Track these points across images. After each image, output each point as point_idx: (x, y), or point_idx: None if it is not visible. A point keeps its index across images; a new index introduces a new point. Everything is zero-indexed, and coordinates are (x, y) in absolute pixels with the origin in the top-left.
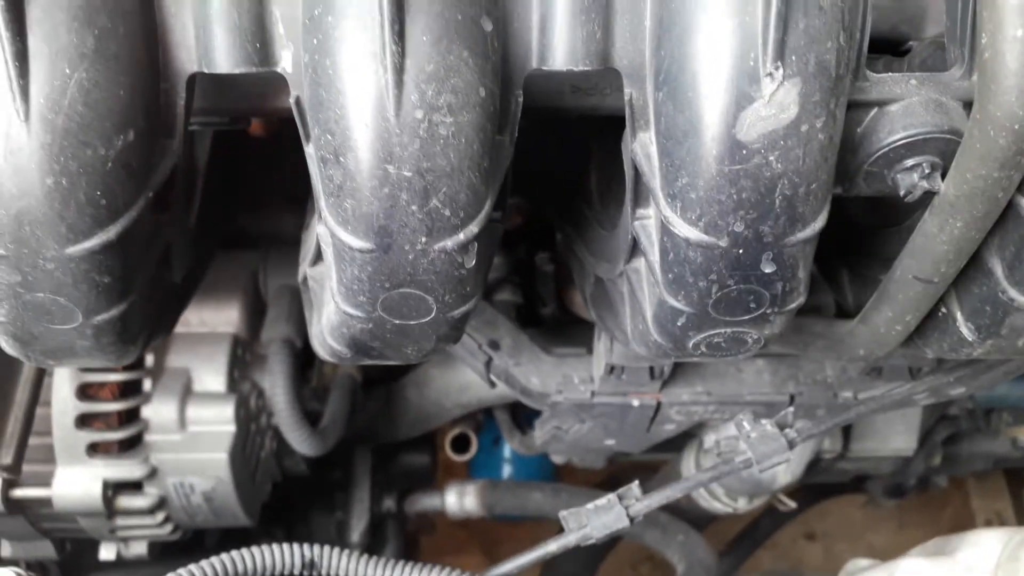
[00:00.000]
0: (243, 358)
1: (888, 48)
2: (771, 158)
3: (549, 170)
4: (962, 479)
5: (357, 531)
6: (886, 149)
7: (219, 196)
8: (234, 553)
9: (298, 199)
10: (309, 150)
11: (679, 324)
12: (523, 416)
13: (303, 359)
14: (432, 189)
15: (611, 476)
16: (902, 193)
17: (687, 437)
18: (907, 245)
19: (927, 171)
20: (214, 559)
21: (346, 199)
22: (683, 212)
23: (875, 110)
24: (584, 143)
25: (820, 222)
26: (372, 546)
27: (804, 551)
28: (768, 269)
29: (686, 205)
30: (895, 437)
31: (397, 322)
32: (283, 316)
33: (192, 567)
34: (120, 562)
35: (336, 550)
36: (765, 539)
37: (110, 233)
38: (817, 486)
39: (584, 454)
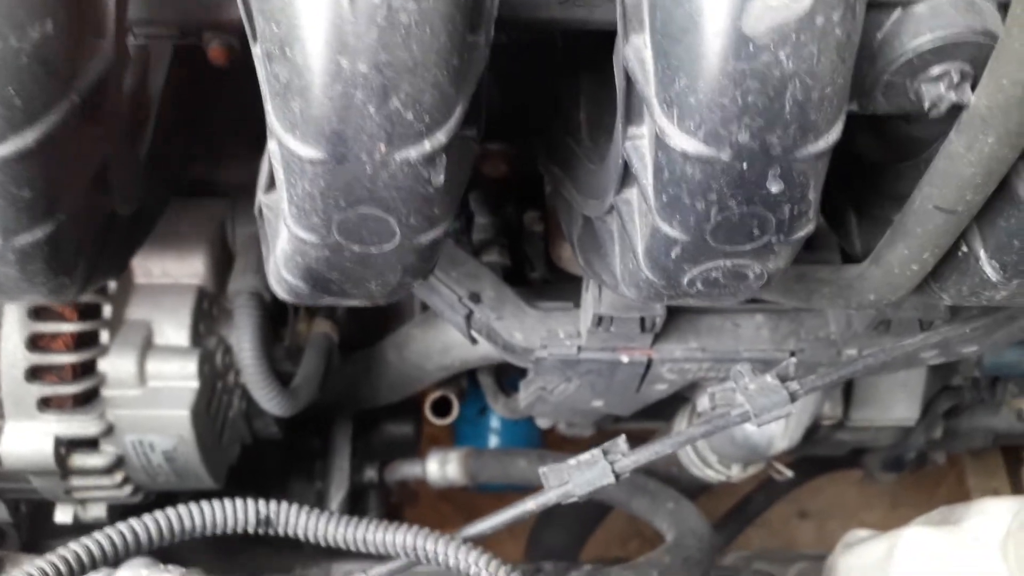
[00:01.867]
0: (209, 312)
1: None
2: (781, 55)
3: (535, 104)
4: (958, 457)
5: (336, 501)
6: (910, 55)
7: (178, 131)
8: (181, 507)
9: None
10: (256, 50)
11: (673, 256)
12: (508, 382)
13: (274, 315)
14: (392, 87)
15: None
16: (926, 106)
17: (678, 403)
18: (928, 171)
19: (956, 80)
20: (160, 513)
21: (293, 99)
22: (680, 120)
23: (898, 11)
24: (572, 73)
25: (834, 134)
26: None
27: (796, 529)
28: (775, 188)
29: (684, 111)
30: (897, 406)
31: (356, 249)
32: (251, 267)
33: (136, 521)
34: (81, 525)
35: (294, 506)
36: (757, 515)
37: (27, 138)
38: (813, 459)
39: (571, 416)
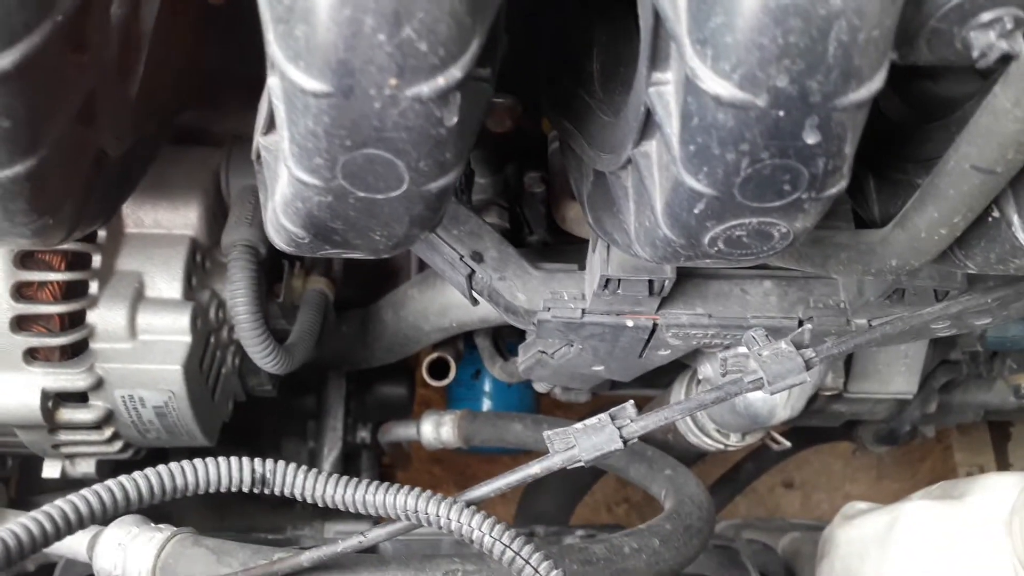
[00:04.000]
0: (202, 264)
1: None
2: None
3: (544, 54)
4: (944, 432)
5: (329, 461)
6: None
7: (170, 71)
8: (175, 465)
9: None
10: None
11: (696, 211)
12: (505, 345)
13: (269, 270)
14: (405, 13)
15: (593, 412)
16: (975, 56)
17: (676, 371)
18: (966, 128)
19: (1009, 27)
20: (152, 470)
21: (297, 25)
22: (714, 62)
23: None
24: (585, 22)
25: (877, 82)
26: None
27: (782, 498)
28: (811, 139)
29: (718, 52)
30: (896, 379)
31: (361, 194)
32: (246, 219)
33: (127, 478)
34: (69, 481)
35: (291, 466)
36: (747, 484)
37: (5, 61)
38: (806, 430)
39: (569, 381)
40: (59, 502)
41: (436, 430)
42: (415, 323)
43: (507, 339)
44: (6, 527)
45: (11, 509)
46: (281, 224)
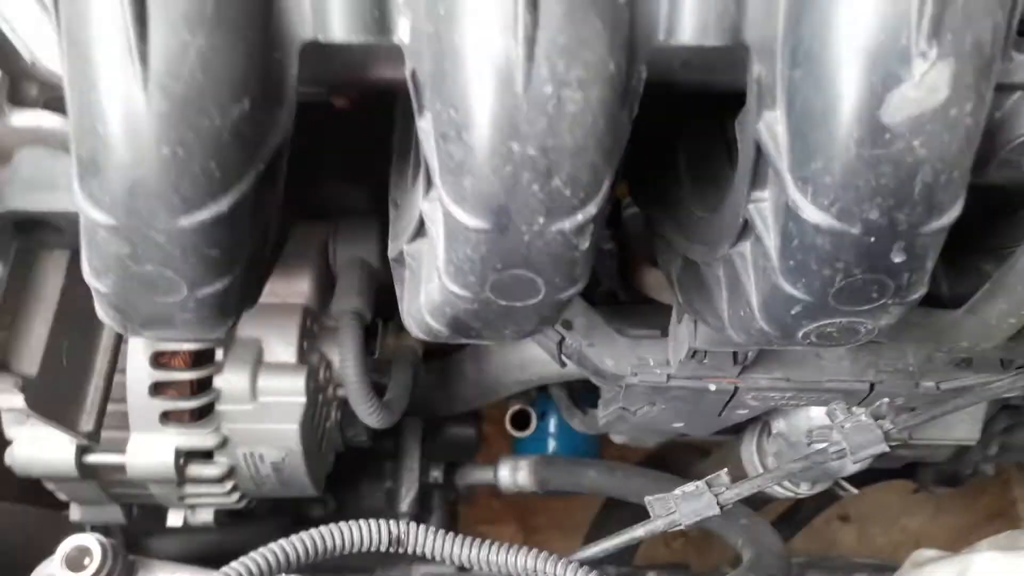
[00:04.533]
0: (312, 330)
1: None
2: (915, 143)
3: (633, 142)
4: (1003, 467)
5: (407, 501)
6: None
7: (299, 168)
8: (324, 528)
9: (365, 171)
10: (423, 124)
11: (792, 312)
12: (577, 394)
13: (367, 329)
14: (555, 168)
15: (655, 454)
16: None
17: (747, 421)
18: None
19: None
20: (307, 533)
21: (465, 177)
22: (814, 197)
23: (1018, 93)
24: (671, 119)
25: (956, 211)
26: (419, 515)
27: (838, 532)
28: (898, 259)
29: (818, 190)
30: (959, 426)
31: (503, 303)
32: (353, 288)
33: (284, 541)
34: (185, 528)
35: (422, 527)
36: (807, 522)
37: (222, 205)
38: (868, 471)
39: (647, 435)
40: (235, 564)
41: (513, 475)
42: (496, 376)
43: (578, 389)
44: None
45: (157, 560)
46: (425, 321)
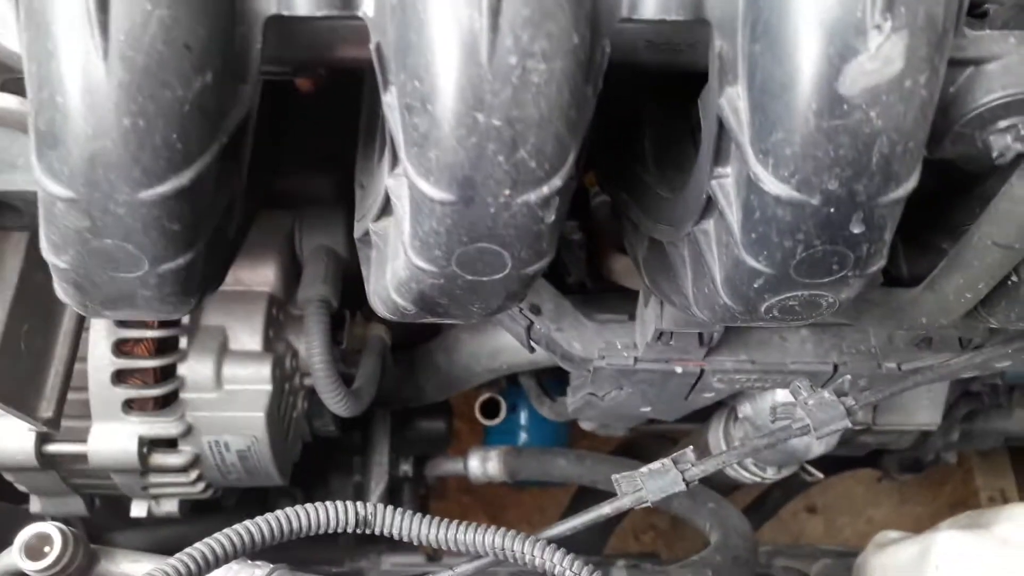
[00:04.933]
0: (278, 318)
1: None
2: (872, 114)
3: (598, 127)
4: (965, 456)
5: (376, 494)
6: (981, 109)
7: (266, 152)
8: (289, 510)
9: (331, 159)
10: (388, 99)
11: (755, 286)
12: (547, 383)
13: (334, 319)
14: (520, 139)
15: (625, 444)
16: (994, 155)
17: (713, 408)
18: (988, 210)
19: (1023, 132)
20: (272, 515)
21: (430, 149)
22: (775, 169)
23: (971, 68)
24: (635, 102)
25: (912, 182)
26: None
27: (805, 524)
28: (857, 229)
29: (779, 161)
30: (920, 412)
31: (470, 278)
32: (319, 277)
33: (249, 523)
34: (148, 519)
35: (389, 508)
36: (775, 511)
37: (183, 178)
38: (833, 459)
39: (616, 420)
40: (198, 545)
41: (483, 465)
42: (466, 365)
43: (548, 378)
44: (158, 568)
45: (119, 548)
46: (391, 299)
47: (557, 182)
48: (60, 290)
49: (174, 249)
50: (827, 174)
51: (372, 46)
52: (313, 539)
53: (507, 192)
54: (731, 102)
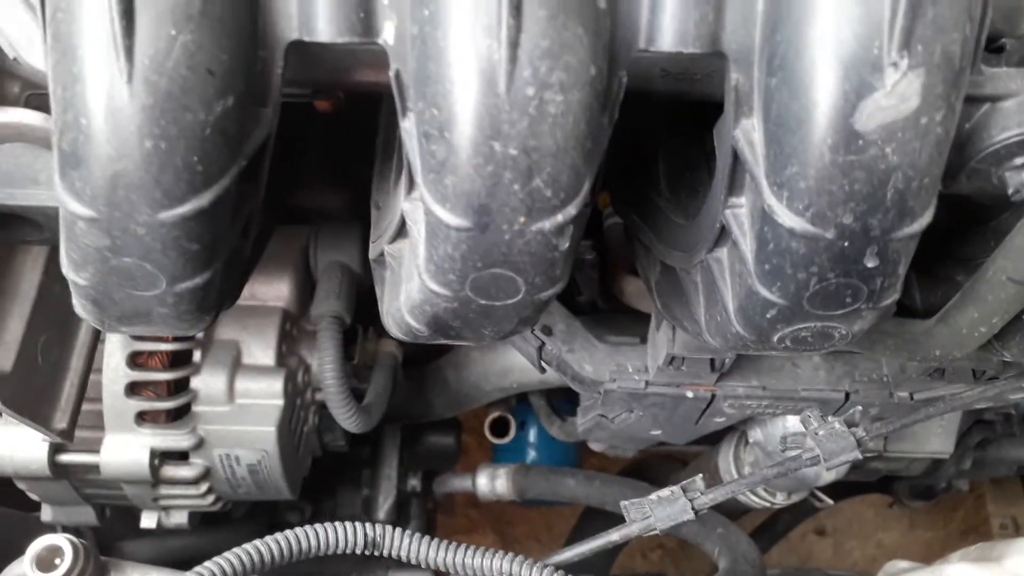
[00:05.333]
0: (291, 333)
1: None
2: (888, 150)
3: (612, 156)
4: (977, 483)
5: (384, 509)
6: (997, 146)
7: (283, 169)
8: (299, 530)
9: (347, 176)
10: (406, 125)
11: (768, 316)
12: (556, 402)
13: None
14: (536, 168)
15: (634, 464)
16: (1010, 192)
17: (724, 431)
18: (1003, 246)
19: None
20: (282, 535)
21: (447, 176)
22: (789, 202)
23: (987, 105)
24: (650, 128)
25: (927, 218)
26: (396, 523)
27: (814, 546)
28: (871, 264)
29: (793, 195)
30: (932, 439)
31: (483, 302)
32: (333, 293)
33: (259, 542)
34: (157, 531)
35: (397, 530)
36: (784, 534)
37: (203, 200)
38: (844, 484)
39: (626, 443)
40: (209, 564)
41: (491, 483)
42: (476, 383)
43: (558, 398)
44: None
45: (130, 562)
46: (405, 320)
47: (572, 211)
48: (78, 306)
49: (192, 269)
50: (842, 208)
51: (392, 73)
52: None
53: (522, 220)
54: (746, 134)
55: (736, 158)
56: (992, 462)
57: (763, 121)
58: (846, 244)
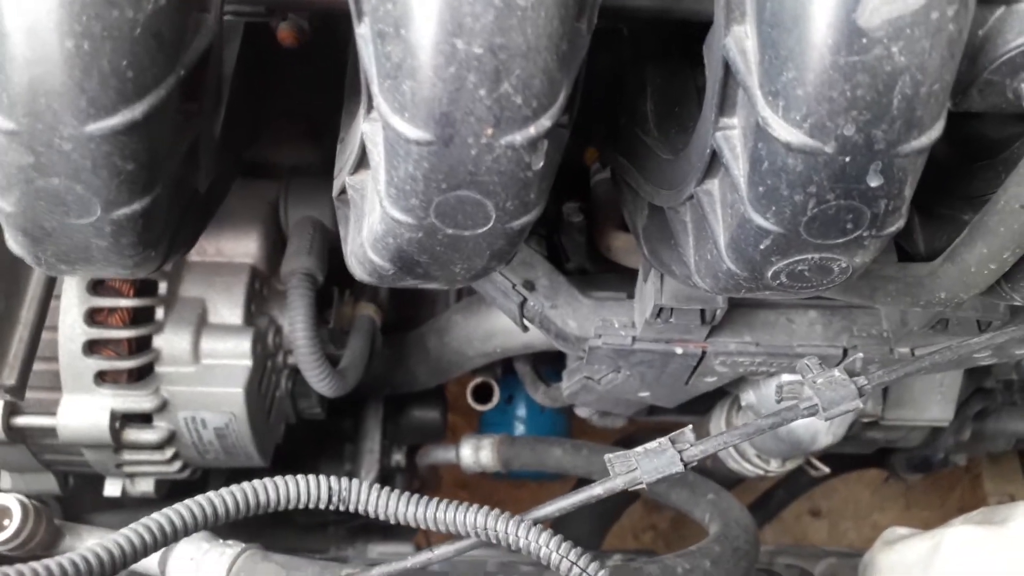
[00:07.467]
0: (261, 292)
1: None
2: (894, 49)
3: (597, 92)
4: (974, 460)
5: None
6: (1013, 53)
7: (244, 108)
8: (257, 482)
9: (319, 129)
10: (361, 30)
11: (762, 247)
12: (542, 370)
13: (320, 297)
14: (504, 70)
15: (624, 438)
16: None
17: (715, 398)
18: (1016, 171)
19: None
20: (237, 487)
21: (404, 80)
22: (785, 112)
23: (1002, 9)
24: (637, 63)
25: (936, 131)
26: None
27: (809, 527)
28: (874, 182)
29: (790, 103)
30: (932, 407)
31: (450, 231)
32: (304, 249)
33: (213, 494)
34: (125, 500)
35: (364, 484)
36: (778, 511)
37: (136, 111)
38: (840, 457)
39: (613, 406)
40: (155, 516)
41: (475, 454)
42: (459, 348)
43: (544, 366)
44: (106, 541)
45: (83, 524)
46: (368, 257)
47: (546, 122)
48: (10, 239)
49: (128, 192)
50: (843, 118)
51: None
52: (303, 529)
53: (489, 131)
54: (738, 41)
55: (727, 72)
56: (991, 434)
57: (756, 24)
58: (847, 159)
